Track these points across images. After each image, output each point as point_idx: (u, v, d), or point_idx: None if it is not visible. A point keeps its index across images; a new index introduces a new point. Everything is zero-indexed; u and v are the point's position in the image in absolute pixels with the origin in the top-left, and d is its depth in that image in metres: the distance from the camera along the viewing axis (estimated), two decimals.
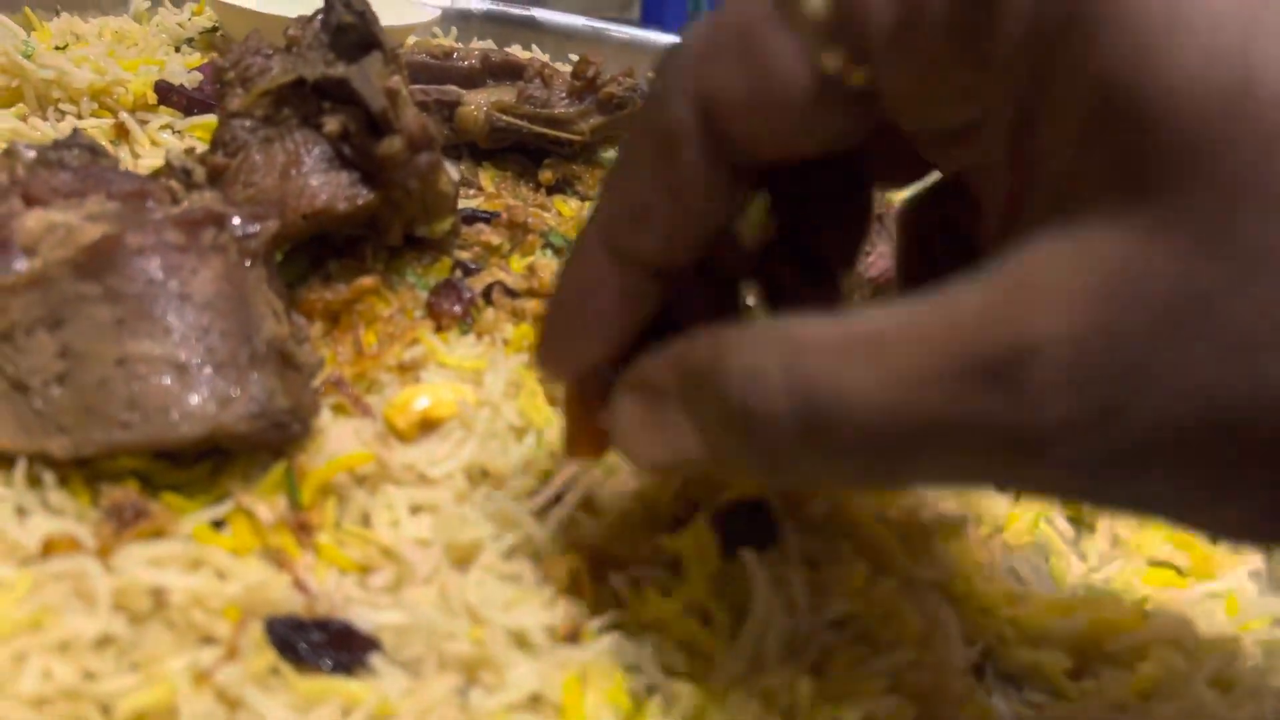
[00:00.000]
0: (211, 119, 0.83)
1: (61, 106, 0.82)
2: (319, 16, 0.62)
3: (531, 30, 1.21)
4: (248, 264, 0.51)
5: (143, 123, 0.82)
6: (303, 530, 0.46)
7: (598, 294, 0.37)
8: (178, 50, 1.00)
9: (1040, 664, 0.48)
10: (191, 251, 0.48)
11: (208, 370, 0.46)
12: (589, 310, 0.38)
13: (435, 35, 1.15)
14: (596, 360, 0.39)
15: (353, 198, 0.58)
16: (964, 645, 0.46)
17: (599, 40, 1.22)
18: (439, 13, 1.06)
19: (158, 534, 0.44)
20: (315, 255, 0.62)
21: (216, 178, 0.59)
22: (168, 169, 0.58)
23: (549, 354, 0.41)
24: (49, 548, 0.42)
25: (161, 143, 0.81)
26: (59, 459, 0.44)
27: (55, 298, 0.46)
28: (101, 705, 0.38)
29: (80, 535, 0.43)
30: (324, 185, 0.58)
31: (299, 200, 0.57)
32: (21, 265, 0.49)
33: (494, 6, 1.21)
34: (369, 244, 0.63)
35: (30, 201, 0.51)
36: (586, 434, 0.43)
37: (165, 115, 0.84)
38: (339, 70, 0.58)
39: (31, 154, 0.55)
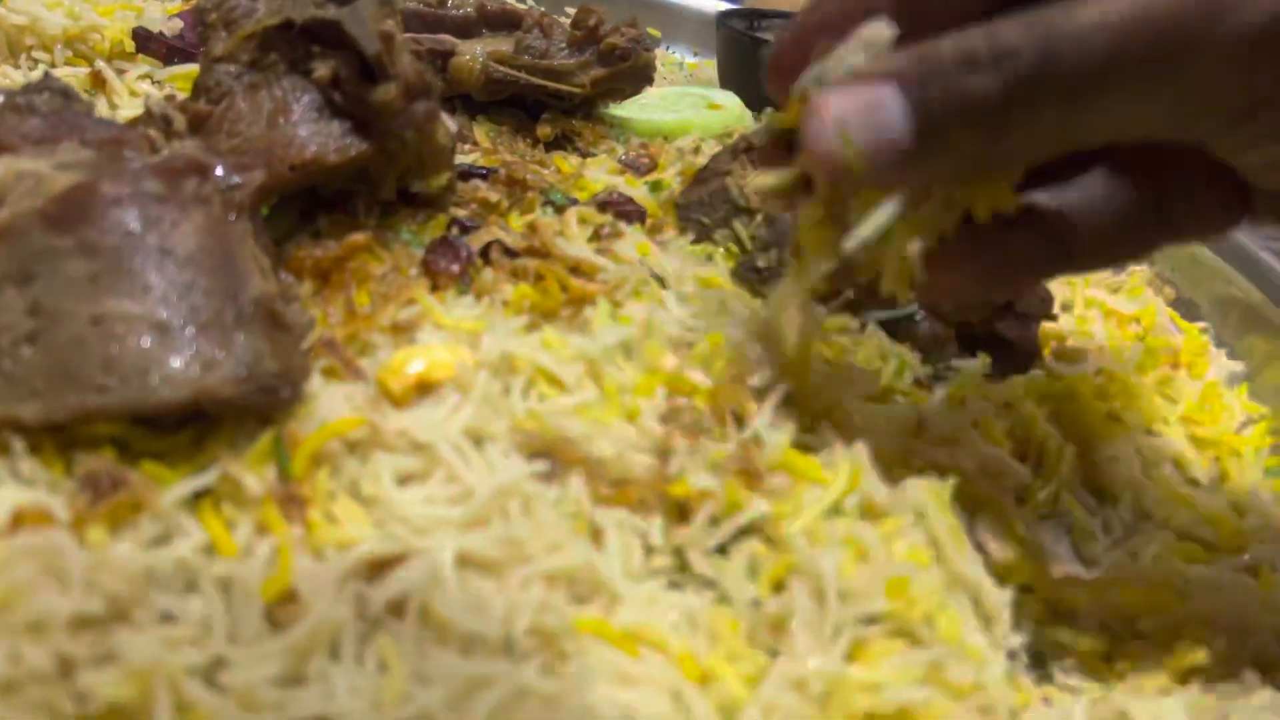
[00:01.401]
0: (192, 68, 0.79)
1: (34, 54, 0.78)
2: None
3: None
4: (232, 217, 0.48)
5: (120, 72, 0.78)
6: (293, 503, 0.43)
7: None
8: None
9: (1073, 645, 0.46)
10: (172, 203, 0.45)
11: (190, 330, 0.43)
12: None
13: None
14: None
15: (344, 149, 0.55)
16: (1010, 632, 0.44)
17: None
18: None
19: (136, 507, 0.40)
20: (303, 210, 0.59)
21: (199, 126, 0.55)
22: (147, 117, 0.54)
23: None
24: (19, 520, 0.39)
25: (140, 93, 0.77)
26: (30, 425, 0.41)
27: (24, 251, 0.43)
28: (76, 695, 0.35)
29: (53, 507, 0.40)
30: (314, 135, 0.55)
31: (287, 151, 0.54)
32: None
33: None
34: (361, 199, 0.59)
35: None
36: None
37: (144, 64, 0.80)
38: (330, 12, 0.55)
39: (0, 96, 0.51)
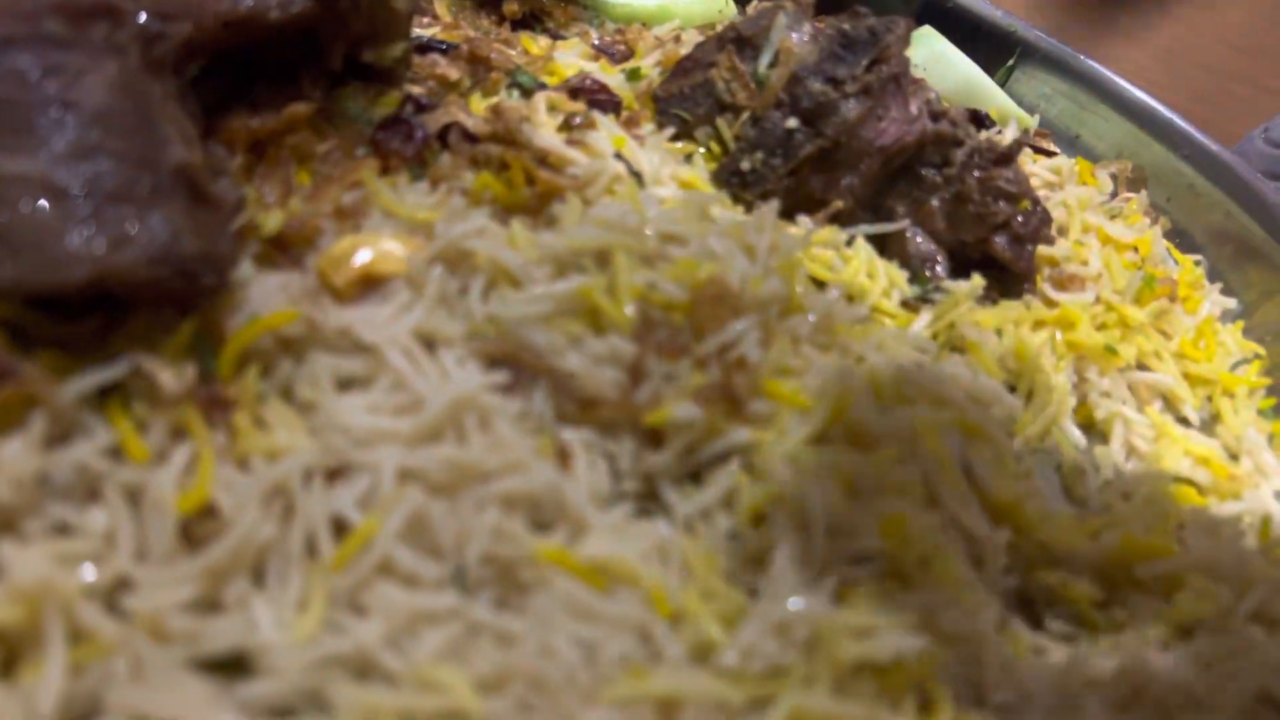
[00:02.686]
0: None
1: None
2: None
3: None
4: (152, 74, 0.41)
5: None
6: (216, 405, 0.38)
7: None
8: None
9: (1066, 590, 0.43)
10: (78, 49, 0.38)
11: (96, 199, 0.36)
12: None
13: None
14: None
15: (287, 5, 0.48)
16: (1003, 574, 0.40)
17: None
18: None
19: (29, 401, 0.35)
20: (239, 77, 0.52)
21: None
22: None
23: None
24: None
25: None
26: None
27: None
28: None
29: None
30: None
31: (219, 3, 0.47)
32: None
33: None
34: (305, 68, 0.53)
35: None
36: None
37: None
38: None
39: None
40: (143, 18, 0.42)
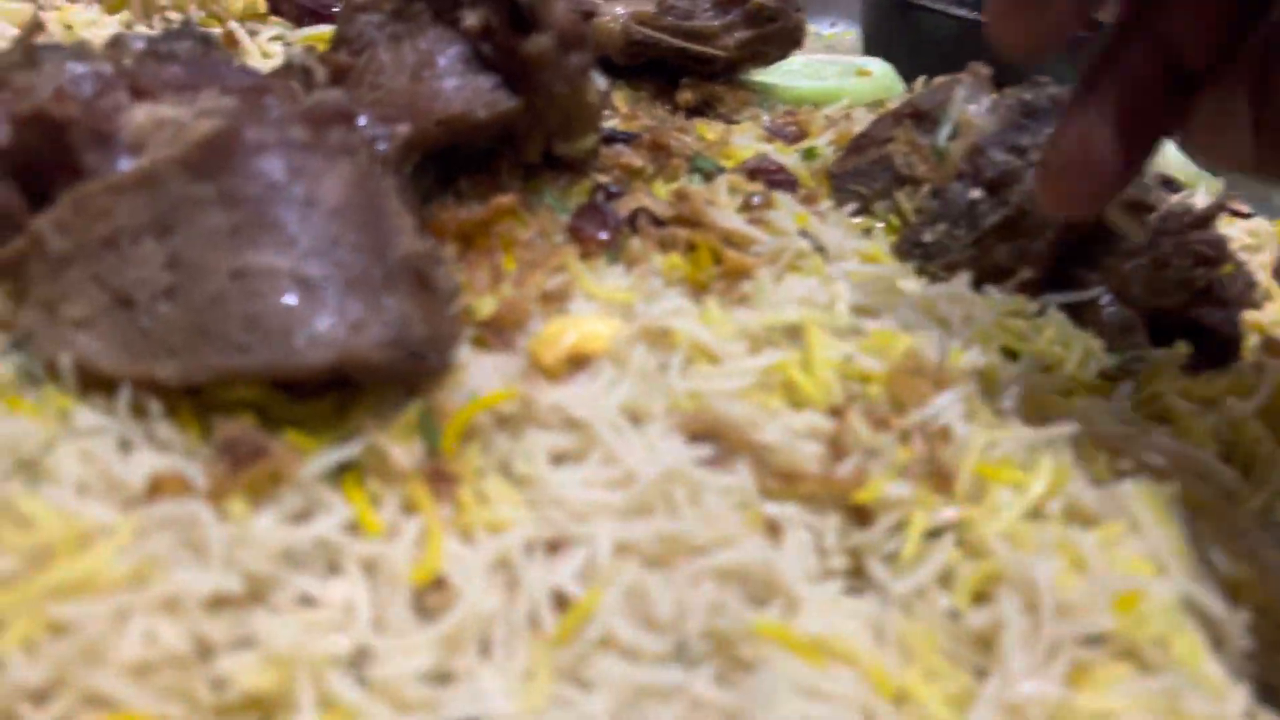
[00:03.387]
0: (324, 30, 0.77)
1: (168, 14, 0.77)
2: None
3: None
4: (378, 172, 0.44)
5: (252, 33, 0.76)
6: (442, 480, 0.39)
7: None
8: None
9: None
10: (318, 151, 0.42)
11: (337, 289, 0.39)
12: None
13: None
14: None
15: (493, 104, 0.51)
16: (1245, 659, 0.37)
17: None
18: None
19: (277, 478, 0.37)
20: (444, 171, 0.55)
21: (340, 79, 0.52)
22: (287, 68, 0.51)
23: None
24: (156, 488, 0.36)
25: (272, 54, 0.75)
26: (167, 385, 0.38)
27: (164, 201, 0.40)
28: (214, 681, 0.32)
29: (190, 475, 0.37)
30: (460, 89, 0.51)
31: (432, 105, 0.50)
32: (127, 164, 0.43)
33: None
34: (504, 160, 0.56)
35: (138, 95, 0.45)
36: None
37: (276, 25, 0.78)
38: None
39: (140, 44, 0.49)
40: (366, 121, 0.46)
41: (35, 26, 0.48)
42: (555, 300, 0.48)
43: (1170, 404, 0.55)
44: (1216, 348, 0.61)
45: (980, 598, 0.39)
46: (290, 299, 0.38)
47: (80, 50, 0.47)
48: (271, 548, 0.35)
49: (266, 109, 0.44)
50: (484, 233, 0.51)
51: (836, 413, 0.46)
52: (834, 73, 0.83)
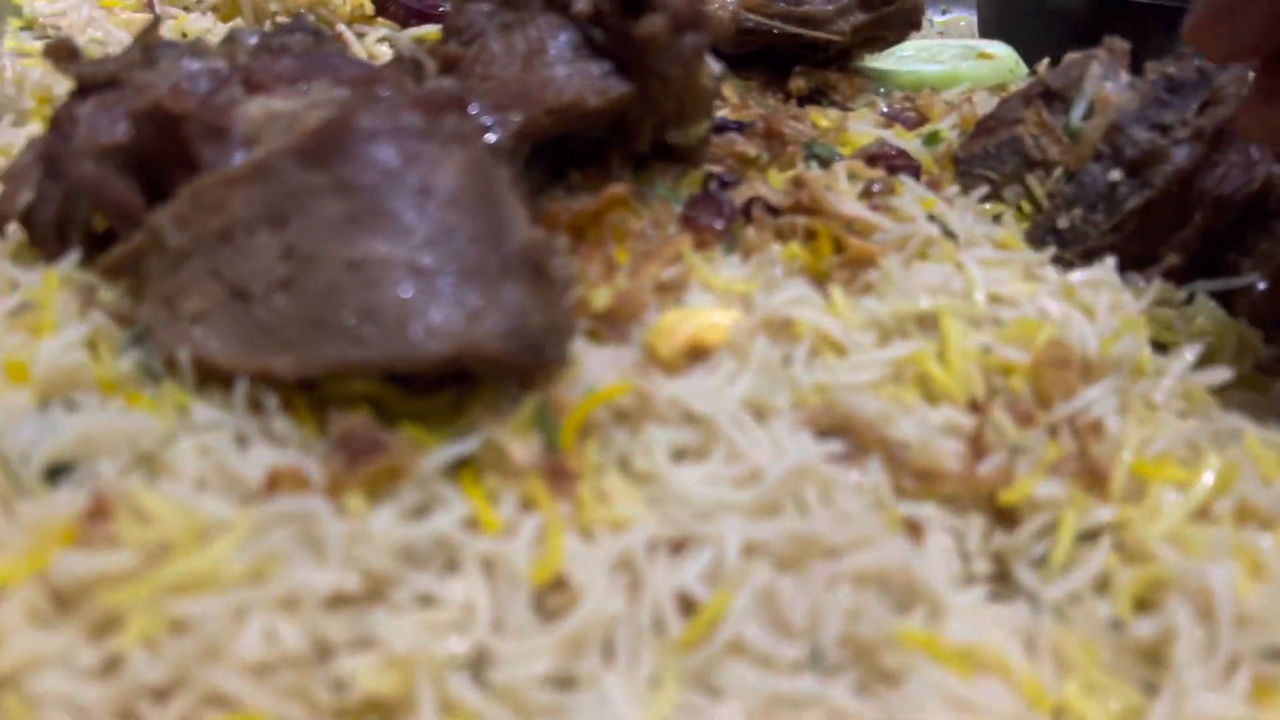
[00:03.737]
0: (431, 29, 0.77)
1: (279, 20, 0.77)
2: None
3: None
4: (493, 160, 0.43)
5: (360, 35, 0.77)
6: (561, 476, 0.38)
7: None
8: None
9: None
10: (433, 139, 0.40)
11: (453, 278, 0.38)
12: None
13: None
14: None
15: (604, 91, 0.49)
16: None
17: None
18: None
19: (395, 473, 0.36)
20: (555, 163, 0.54)
21: (450, 70, 0.51)
22: (397, 60, 0.51)
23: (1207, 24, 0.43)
24: (273, 483, 0.35)
25: (379, 56, 0.75)
26: (283, 379, 0.38)
27: (278, 191, 0.39)
28: (334, 682, 0.31)
29: (307, 469, 0.36)
30: (572, 76, 0.50)
31: (544, 93, 0.49)
32: (241, 158, 0.42)
33: None
34: (615, 151, 0.54)
35: (252, 89, 0.44)
36: None
37: (383, 27, 0.78)
38: None
39: (253, 39, 0.49)
40: (482, 109, 0.45)
41: (153, 27, 0.48)
42: (671, 291, 0.46)
43: None
44: None
45: (1144, 606, 0.36)
46: (406, 289, 0.37)
47: (196, 48, 0.47)
48: (390, 544, 0.34)
49: (379, 96, 0.44)
50: (596, 224, 0.50)
51: (977, 407, 0.43)
52: (952, 55, 0.79)
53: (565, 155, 0.54)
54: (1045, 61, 0.83)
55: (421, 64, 0.51)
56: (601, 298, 0.45)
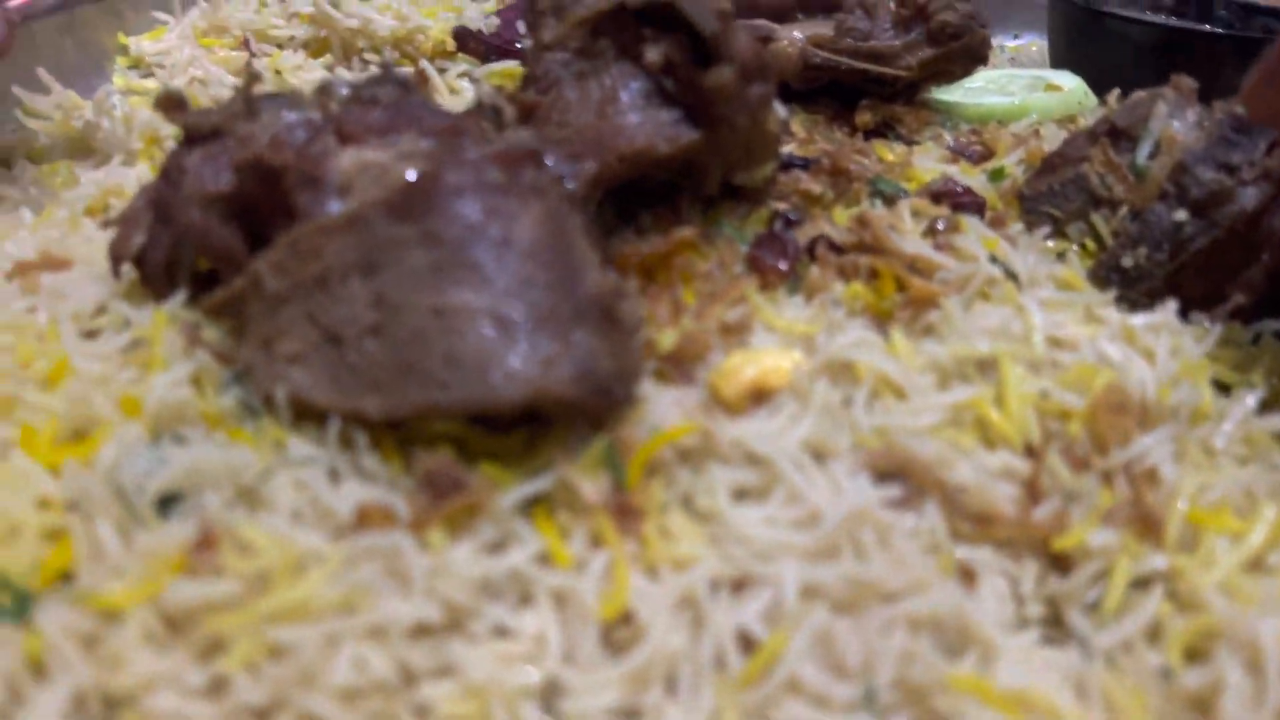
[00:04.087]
0: (509, 66, 0.80)
1: (365, 55, 0.81)
2: None
3: None
4: (567, 209, 0.45)
5: (441, 70, 0.80)
6: (628, 515, 0.40)
7: None
8: None
9: None
10: (512, 193, 0.43)
11: (529, 325, 0.40)
12: None
13: None
14: None
15: (674, 138, 0.52)
16: None
17: None
18: None
19: (474, 510, 0.39)
20: (626, 204, 0.56)
21: (528, 117, 0.53)
22: (478, 107, 0.53)
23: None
24: (363, 519, 0.38)
25: (459, 90, 0.78)
26: (373, 419, 0.40)
27: (370, 241, 0.42)
28: (416, 708, 0.34)
29: (394, 505, 0.39)
30: (643, 124, 0.52)
31: (616, 140, 0.51)
32: (335, 206, 0.45)
33: None
34: (684, 193, 0.56)
35: (344, 139, 0.47)
36: None
37: (463, 62, 0.81)
38: None
39: (345, 89, 0.52)
40: (554, 161, 0.47)
41: (253, 78, 0.51)
42: (735, 333, 0.48)
43: None
44: None
45: (1194, 655, 0.37)
46: (487, 336, 0.40)
47: (293, 99, 0.51)
48: (469, 578, 0.37)
49: (463, 150, 0.46)
50: (665, 265, 0.52)
51: (1032, 452, 0.44)
52: (1020, 87, 0.79)
53: (636, 196, 0.57)
54: (1115, 92, 0.84)
55: (501, 110, 0.53)
56: (668, 339, 0.47)
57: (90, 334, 0.48)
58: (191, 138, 0.51)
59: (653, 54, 0.52)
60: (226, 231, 0.47)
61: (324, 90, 0.52)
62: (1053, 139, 0.73)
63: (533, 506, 0.40)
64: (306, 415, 0.42)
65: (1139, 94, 0.64)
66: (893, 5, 0.74)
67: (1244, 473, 0.44)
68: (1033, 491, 0.42)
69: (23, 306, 0.49)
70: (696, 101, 0.52)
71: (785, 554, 0.39)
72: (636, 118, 0.52)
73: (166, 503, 0.40)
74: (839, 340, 0.47)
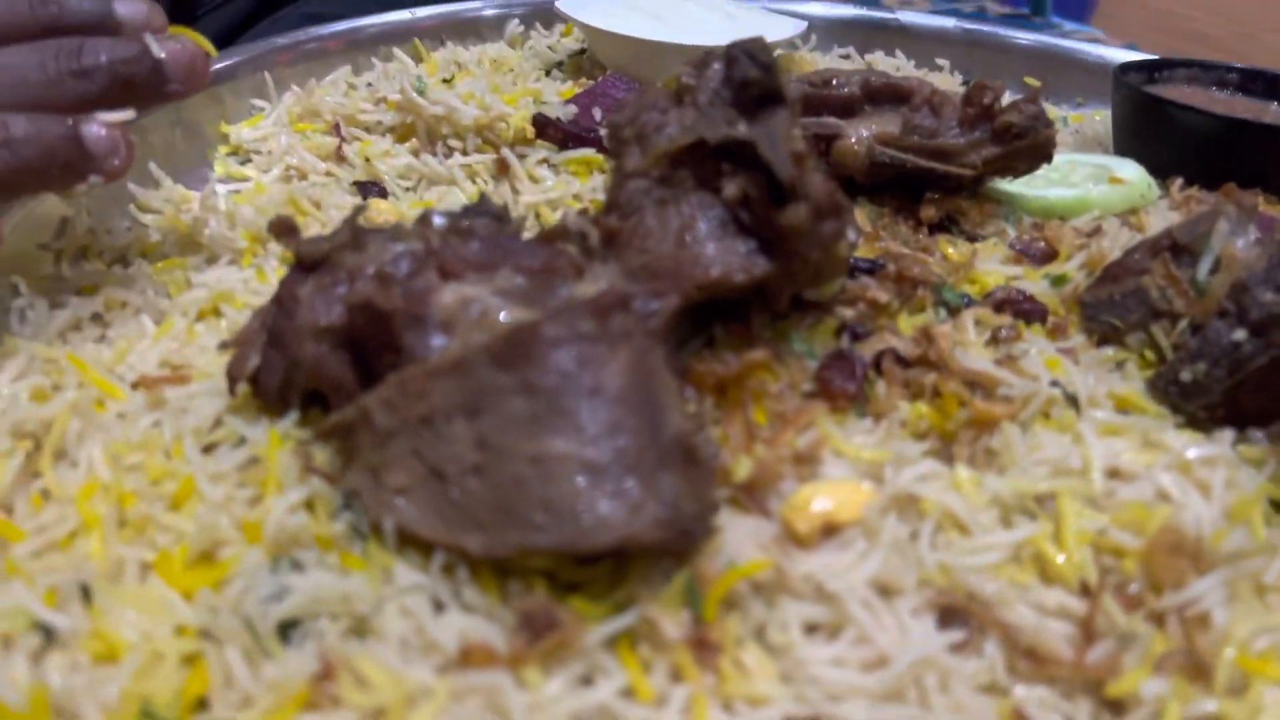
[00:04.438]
0: (585, 153, 0.83)
1: (450, 142, 0.85)
2: (717, 65, 0.58)
3: (897, 34, 1.13)
4: (651, 349, 0.49)
5: (521, 156, 0.84)
6: (706, 649, 0.43)
7: None
8: (548, 74, 1.01)
9: None
10: (603, 341, 0.46)
11: (618, 471, 0.44)
12: None
13: (795, 46, 1.10)
14: None
15: (749, 269, 0.55)
16: None
17: (972, 44, 1.12)
18: (805, 25, 1.01)
19: (565, 646, 0.42)
20: (701, 318, 0.59)
21: (611, 241, 0.57)
22: (564, 232, 0.57)
23: None
24: (466, 656, 0.41)
25: (539, 179, 0.82)
26: (474, 555, 0.44)
27: (473, 386, 0.46)
28: None
29: (492, 638, 0.42)
30: (720, 254, 0.55)
31: (694, 269, 0.55)
32: (439, 341, 0.49)
33: (859, 12, 1.14)
34: (755, 311, 0.59)
35: (445, 275, 0.51)
36: None
37: (542, 148, 0.85)
38: (743, 132, 0.55)
39: (442, 220, 0.56)
40: (640, 301, 0.51)
41: (360, 210, 0.55)
42: (806, 462, 0.51)
43: None
44: None
45: None
46: (580, 483, 0.43)
47: (396, 231, 0.55)
48: (563, 714, 0.40)
49: (554, 291, 0.50)
50: (738, 385, 0.55)
51: (1088, 590, 0.46)
52: (1084, 176, 0.81)
53: (710, 309, 0.60)
54: (1179, 181, 0.85)
55: (587, 235, 0.57)
56: (742, 468, 0.50)
57: (209, 448, 0.53)
58: (303, 264, 0.55)
59: (730, 189, 0.55)
60: (337, 362, 0.51)
61: (423, 220, 0.56)
62: (1114, 234, 0.75)
63: (617, 640, 0.43)
64: (412, 541, 0.46)
65: (1201, 209, 0.66)
66: (959, 103, 0.76)
67: None
68: (1088, 632, 0.45)
69: (149, 421, 0.54)
70: (771, 234, 0.55)
71: (854, 695, 0.42)
72: (713, 248, 0.55)
73: (285, 627, 0.44)
74: (906, 474, 0.50)
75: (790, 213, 0.53)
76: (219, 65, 0.87)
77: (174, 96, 0.61)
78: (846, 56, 1.13)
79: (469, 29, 1.05)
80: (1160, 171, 0.87)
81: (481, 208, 0.56)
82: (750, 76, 0.56)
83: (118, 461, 0.51)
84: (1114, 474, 0.51)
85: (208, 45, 0.65)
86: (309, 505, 0.48)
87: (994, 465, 0.52)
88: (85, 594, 0.44)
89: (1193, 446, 0.53)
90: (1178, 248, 0.64)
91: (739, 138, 0.55)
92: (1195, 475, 0.51)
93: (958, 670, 0.42)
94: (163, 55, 0.60)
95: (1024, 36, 1.11)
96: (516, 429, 0.45)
